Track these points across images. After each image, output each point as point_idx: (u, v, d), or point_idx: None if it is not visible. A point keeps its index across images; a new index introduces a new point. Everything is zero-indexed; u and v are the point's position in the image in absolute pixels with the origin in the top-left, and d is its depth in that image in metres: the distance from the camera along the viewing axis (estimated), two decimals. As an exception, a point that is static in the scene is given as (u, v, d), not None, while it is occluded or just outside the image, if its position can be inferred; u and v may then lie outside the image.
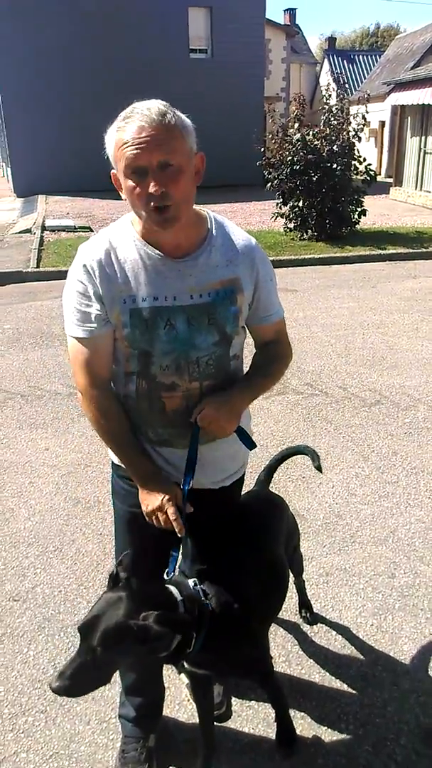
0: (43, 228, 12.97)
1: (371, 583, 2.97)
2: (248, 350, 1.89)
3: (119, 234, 1.71)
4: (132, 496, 1.84)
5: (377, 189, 14.36)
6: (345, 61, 35.18)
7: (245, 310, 1.80)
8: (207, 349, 1.73)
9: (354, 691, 2.40)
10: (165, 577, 1.76)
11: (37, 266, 9.87)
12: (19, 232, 13.03)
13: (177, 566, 1.82)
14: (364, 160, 11.47)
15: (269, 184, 11.42)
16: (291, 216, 11.69)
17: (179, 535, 1.74)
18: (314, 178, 10.90)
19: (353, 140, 11.20)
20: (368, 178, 11.42)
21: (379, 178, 14.55)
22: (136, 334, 1.68)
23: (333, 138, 11.08)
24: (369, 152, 22.33)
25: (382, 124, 26.10)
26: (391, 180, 19.34)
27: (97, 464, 4.04)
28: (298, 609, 2.77)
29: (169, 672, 2.36)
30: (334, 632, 2.69)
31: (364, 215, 11.88)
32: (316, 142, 10.96)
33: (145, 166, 1.53)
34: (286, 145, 11.14)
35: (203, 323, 1.71)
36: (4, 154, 22.45)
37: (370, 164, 11.54)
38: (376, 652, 2.58)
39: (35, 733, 2.26)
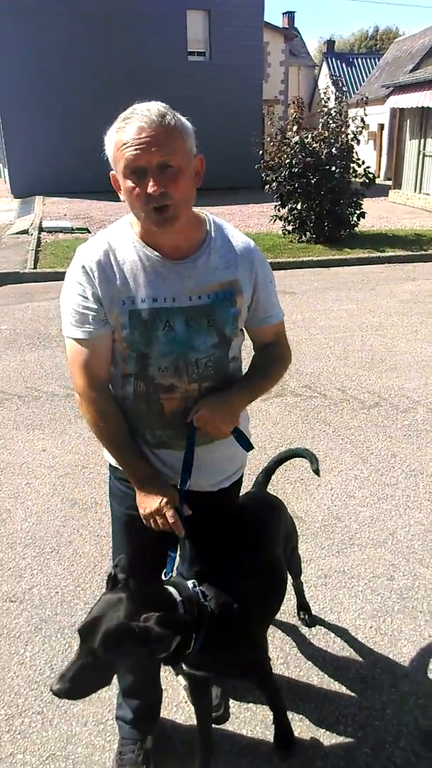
0: (41, 229, 12.97)
1: (370, 585, 2.96)
2: (246, 352, 1.88)
3: (118, 235, 1.71)
4: (129, 498, 1.83)
5: (376, 191, 14.37)
6: (344, 64, 35.26)
7: (244, 312, 1.80)
8: (206, 350, 1.73)
9: (353, 694, 2.39)
10: (163, 578, 1.75)
11: (34, 267, 9.86)
12: (17, 233, 13.03)
13: (175, 567, 1.81)
14: (363, 162, 11.49)
15: (267, 186, 11.43)
16: (289, 218, 11.70)
17: (179, 537, 1.74)
18: (313, 181, 10.91)
19: (352, 143, 11.22)
20: (367, 180, 11.43)
21: (378, 181, 14.58)
22: (135, 335, 1.67)
23: (332, 141, 11.09)
24: (368, 155, 22.39)
25: (381, 126, 26.17)
26: (390, 183, 19.38)
27: (94, 465, 4.02)
28: (296, 611, 2.76)
29: (166, 674, 2.35)
30: (332, 634, 2.68)
31: (363, 218, 11.90)
32: (314, 145, 10.98)
33: (144, 166, 1.53)
34: (285, 147, 11.15)
35: (202, 325, 1.70)
36: (1, 154, 22.45)
37: (368, 167, 11.57)
38: (374, 655, 2.57)
39: (32, 735, 2.24)
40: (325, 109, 11.37)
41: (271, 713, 2.17)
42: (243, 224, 13.42)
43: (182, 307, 1.68)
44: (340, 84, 12.66)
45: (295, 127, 11.35)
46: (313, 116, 12.61)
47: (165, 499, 1.72)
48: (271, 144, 11.53)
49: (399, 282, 9.25)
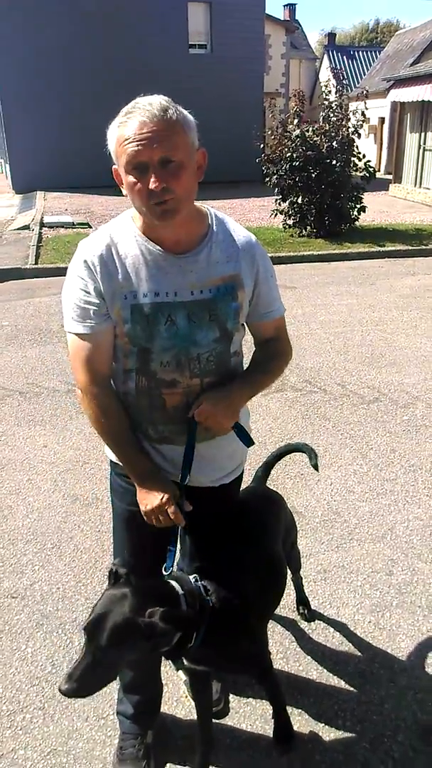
0: (42, 224, 12.96)
1: (369, 581, 2.97)
2: (247, 347, 1.89)
3: (120, 230, 1.71)
4: (130, 494, 1.83)
5: (376, 186, 14.34)
6: (345, 57, 35.14)
7: (246, 307, 1.80)
8: (207, 345, 1.73)
9: (351, 688, 2.41)
10: (164, 572, 1.76)
11: (36, 263, 9.85)
12: (18, 229, 13.01)
13: (175, 562, 1.82)
14: (364, 156, 11.46)
15: (268, 179, 11.40)
16: (290, 212, 11.67)
17: (179, 532, 1.74)
18: (313, 175, 10.89)
19: (353, 136, 11.18)
20: (367, 174, 11.41)
21: (378, 175, 14.52)
22: (137, 330, 1.67)
23: (332, 134, 11.06)
24: (368, 149, 22.33)
25: (382, 120, 26.05)
26: (390, 177, 19.32)
27: (96, 461, 4.03)
28: (295, 606, 2.77)
29: (167, 669, 2.37)
30: (331, 629, 2.69)
31: (364, 212, 11.87)
32: (315, 139, 10.95)
33: (146, 162, 1.52)
34: (286, 141, 11.12)
35: (204, 319, 1.71)
36: (2, 150, 22.41)
37: (369, 161, 11.54)
38: (373, 649, 2.58)
39: (33, 730, 2.26)
40: (326, 102, 11.33)
41: (271, 707, 2.18)
42: (244, 218, 13.40)
43: (184, 302, 1.68)
44: (341, 77, 12.62)
45: (296, 121, 11.31)
46: (314, 109, 12.57)
47: (166, 496, 1.72)
48: (272, 137, 11.49)
49: (399, 277, 9.24)
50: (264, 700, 2.30)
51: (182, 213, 1.61)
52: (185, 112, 1.59)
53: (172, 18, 19.63)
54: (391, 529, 3.36)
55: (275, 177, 11.25)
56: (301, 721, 2.27)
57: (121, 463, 1.83)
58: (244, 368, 1.91)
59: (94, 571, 3.06)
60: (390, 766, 2.11)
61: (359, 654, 2.57)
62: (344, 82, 13.84)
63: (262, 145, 11.70)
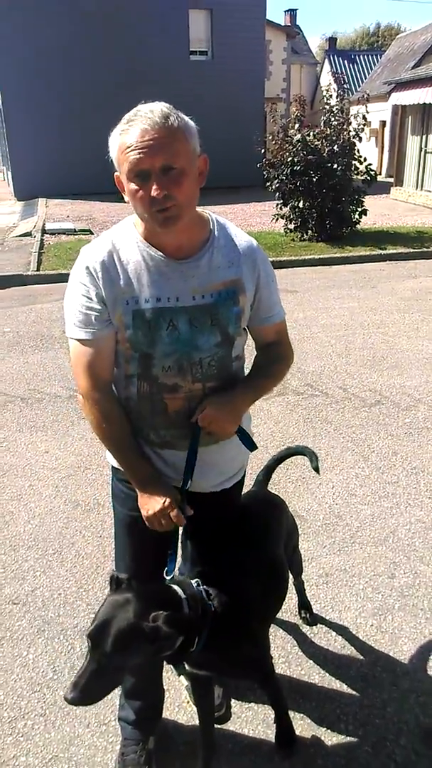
0: (44, 231, 12.98)
1: (371, 584, 2.97)
2: (248, 352, 1.89)
3: (122, 236, 1.71)
4: (131, 499, 1.83)
5: (378, 189, 14.34)
6: (346, 61, 35.24)
7: (247, 311, 1.81)
8: (209, 350, 1.73)
9: (354, 692, 2.40)
10: (165, 576, 1.76)
11: (38, 269, 9.87)
12: (20, 236, 13.04)
13: (176, 566, 1.82)
14: (365, 160, 11.46)
15: (269, 184, 11.42)
16: (291, 217, 11.68)
17: (179, 537, 1.74)
18: (314, 179, 10.89)
19: (354, 140, 11.18)
20: (369, 178, 11.41)
21: (379, 178, 14.54)
22: (139, 335, 1.68)
23: (333, 138, 11.06)
24: (370, 152, 22.33)
25: (383, 123, 26.10)
26: (391, 180, 19.33)
27: (97, 467, 4.04)
28: (297, 610, 2.77)
29: (168, 674, 2.36)
30: (333, 633, 2.69)
31: (365, 215, 11.87)
32: (316, 143, 10.96)
33: (147, 169, 1.53)
34: (287, 145, 11.13)
35: (206, 324, 1.71)
36: (4, 157, 22.48)
37: (370, 164, 11.53)
38: (375, 653, 2.58)
39: (34, 737, 2.26)
40: (327, 107, 11.34)
41: (273, 712, 2.18)
42: (245, 223, 13.41)
43: (186, 307, 1.69)
44: (342, 81, 12.64)
45: (297, 125, 11.33)
46: (315, 114, 12.57)
47: (168, 500, 1.72)
48: (273, 142, 11.50)
49: (400, 279, 9.24)
50: (266, 705, 2.29)
51: (184, 219, 1.62)
52: (187, 118, 1.60)
53: (172, 18, 19.59)
54: (393, 532, 3.35)
55: (276, 181, 11.26)
56: (303, 726, 2.26)
57: (122, 469, 1.83)
58: (246, 372, 1.92)
59: (96, 576, 3.06)
60: (392, 770, 2.10)
61: (361, 657, 2.56)
62: (345, 86, 13.89)
63: (263, 150, 11.71)
